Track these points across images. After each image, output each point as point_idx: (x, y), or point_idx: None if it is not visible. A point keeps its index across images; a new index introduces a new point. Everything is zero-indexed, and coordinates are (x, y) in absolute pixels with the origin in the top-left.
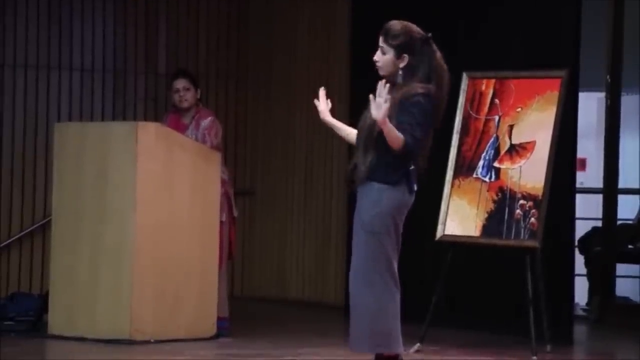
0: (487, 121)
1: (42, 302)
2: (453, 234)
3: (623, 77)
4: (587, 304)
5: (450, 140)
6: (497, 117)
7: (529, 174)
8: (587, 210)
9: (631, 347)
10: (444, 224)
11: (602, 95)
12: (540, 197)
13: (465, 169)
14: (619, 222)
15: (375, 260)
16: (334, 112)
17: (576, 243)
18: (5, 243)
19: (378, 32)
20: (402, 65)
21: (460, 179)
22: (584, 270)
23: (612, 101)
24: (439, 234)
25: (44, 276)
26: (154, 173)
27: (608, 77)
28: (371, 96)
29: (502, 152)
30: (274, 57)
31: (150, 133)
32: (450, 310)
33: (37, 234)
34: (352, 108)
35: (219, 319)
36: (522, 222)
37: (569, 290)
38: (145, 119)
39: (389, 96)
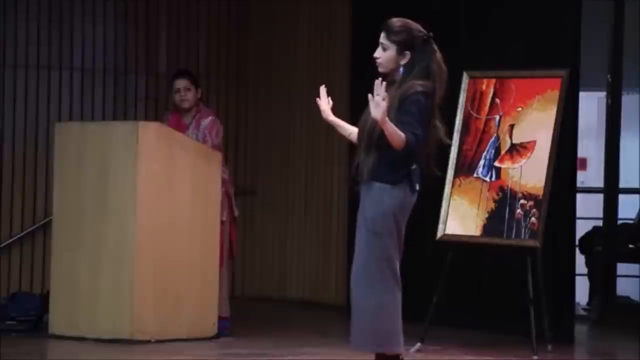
0: (487, 121)
1: (43, 302)
2: (454, 233)
3: (623, 76)
4: (587, 304)
5: (450, 140)
6: (497, 117)
7: (530, 174)
8: (588, 210)
9: (632, 347)
10: (445, 223)
11: (603, 94)
12: (540, 197)
13: (465, 168)
14: (619, 222)
15: (377, 259)
16: (334, 112)
17: (577, 243)
18: (6, 243)
19: (378, 32)
20: (402, 62)
21: (461, 179)
22: (584, 270)
23: (613, 101)
24: (439, 233)
25: (44, 276)
26: (155, 173)
27: (609, 76)
28: (370, 95)
29: (503, 151)
30: (275, 56)
31: (151, 133)
32: (451, 309)
33: (38, 233)
34: (353, 108)
35: (220, 318)
36: (522, 222)
37: (570, 289)
38: (146, 118)
39: (386, 94)
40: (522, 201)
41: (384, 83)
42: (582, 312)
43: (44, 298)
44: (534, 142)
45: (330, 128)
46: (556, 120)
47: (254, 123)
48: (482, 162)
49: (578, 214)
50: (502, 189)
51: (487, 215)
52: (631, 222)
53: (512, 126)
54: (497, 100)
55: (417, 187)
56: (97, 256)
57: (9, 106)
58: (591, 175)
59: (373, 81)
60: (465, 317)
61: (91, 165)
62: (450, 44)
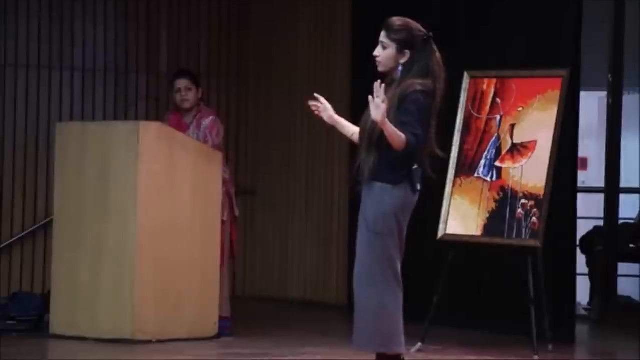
0: (488, 120)
1: (43, 302)
2: (454, 233)
3: (624, 76)
4: (588, 304)
5: (451, 139)
6: (498, 117)
7: (531, 174)
8: (589, 210)
9: (633, 347)
10: (446, 223)
11: (604, 94)
12: (541, 197)
13: (466, 168)
14: (620, 222)
15: (379, 260)
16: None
17: (578, 242)
18: (7, 243)
19: (379, 32)
20: (402, 61)
21: (462, 179)
22: (585, 270)
23: (614, 100)
24: (440, 233)
25: (45, 276)
26: (156, 173)
27: (609, 76)
28: (370, 97)
29: (504, 151)
30: (275, 56)
31: (151, 133)
32: (452, 309)
33: (39, 233)
34: (353, 107)
35: (221, 318)
36: (523, 222)
37: (571, 289)
38: (147, 118)
39: (385, 97)
40: (523, 201)
41: (383, 85)
42: (583, 312)
43: (45, 298)
44: (535, 142)
45: (331, 127)
46: (557, 120)
47: (255, 122)
48: (483, 162)
49: (579, 214)
50: (503, 188)
51: (488, 215)
52: (632, 222)
53: (513, 126)
54: (498, 100)
55: (419, 187)
56: (98, 256)
57: (9, 106)
58: (592, 175)
59: (373, 81)
60: (466, 317)
61: (92, 165)
62: (451, 43)
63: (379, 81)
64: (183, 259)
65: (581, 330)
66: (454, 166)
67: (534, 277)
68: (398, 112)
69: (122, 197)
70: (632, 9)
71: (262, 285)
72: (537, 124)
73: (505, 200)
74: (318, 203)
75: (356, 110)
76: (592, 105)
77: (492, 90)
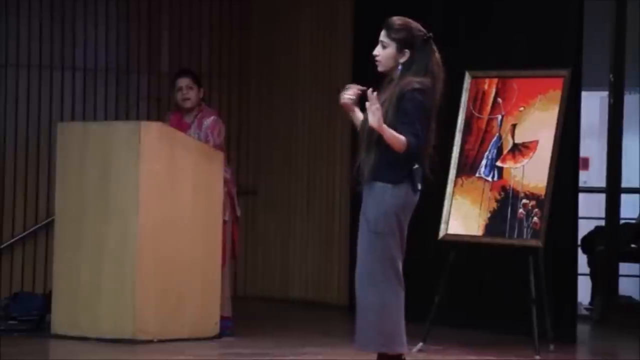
0: (489, 120)
1: (45, 302)
2: (456, 233)
3: (625, 76)
4: (590, 303)
5: (453, 139)
6: (499, 117)
7: (532, 173)
8: (590, 210)
9: (634, 347)
10: (447, 223)
11: (605, 94)
12: (543, 197)
13: (468, 168)
14: (621, 221)
15: (380, 259)
16: (335, 112)
17: (579, 242)
18: (8, 243)
19: (380, 31)
20: (402, 60)
21: (463, 178)
22: (587, 270)
23: (615, 100)
24: (441, 233)
25: (47, 276)
26: (157, 172)
27: (611, 76)
28: (367, 104)
29: (505, 151)
30: (277, 56)
31: (153, 133)
32: (453, 309)
33: (40, 233)
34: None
35: (222, 318)
36: (524, 222)
37: (572, 289)
38: (148, 118)
39: (379, 107)
40: (524, 201)
41: (375, 93)
42: (584, 312)
43: (46, 298)
44: (536, 141)
45: (332, 127)
46: (558, 119)
47: (256, 122)
48: (484, 161)
49: (580, 214)
50: (504, 188)
51: (489, 215)
52: (633, 221)
53: (514, 126)
54: (500, 100)
55: (420, 187)
56: (99, 256)
57: (11, 106)
58: (593, 175)
59: (375, 81)
60: (467, 317)
61: (93, 165)
62: (452, 43)
63: (371, 89)
64: (184, 258)
65: (582, 330)
66: (455, 166)
67: (535, 277)
68: (397, 111)
69: (123, 197)
70: (634, 9)
71: (263, 285)
72: (538, 124)
73: (507, 200)
74: (319, 203)
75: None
76: (593, 105)
77: (494, 90)
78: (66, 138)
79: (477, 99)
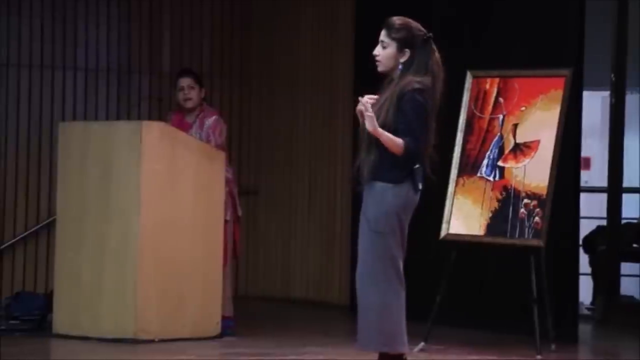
0: (491, 120)
1: (46, 302)
2: (457, 232)
3: (627, 76)
4: (591, 303)
5: (454, 139)
6: (501, 116)
7: (533, 173)
8: (592, 209)
9: (636, 347)
10: (448, 223)
11: (607, 94)
12: (544, 196)
13: (469, 168)
14: (623, 221)
15: (381, 259)
16: (336, 112)
17: (580, 242)
18: (9, 242)
19: (381, 32)
20: (402, 60)
21: (465, 178)
22: (588, 269)
23: (617, 100)
24: (443, 232)
25: (48, 275)
26: (158, 172)
27: (612, 76)
28: (360, 108)
29: (507, 151)
30: (278, 56)
31: (154, 132)
32: (454, 309)
33: (42, 233)
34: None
35: (223, 318)
36: (526, 221)
37: (574, 289)
38: (150, 118)
39: (372, 114)
40: (525, 201)
41: (368, 101)
42: (586, 312)
43: (48, 297)
44: (538, 141)
45: (333, 127)
46: (560, 119)
47: (258, 122)
48: (485, 161)
49: (582, 214)
50: (505, 188)
51: (490, 215)
52: (635, 221)
53: (515, 125)
54: (501, 100)
55: (420, 186)
56: (101, 256)
57: (12, 106)
58: (595, 174)
59: (376, 81)
60: (468, 317)
61: (94, 165)
62: (454, 43)
63: (366, 96)
64: (185, 258)
65: (584, 329)
66: (457, 166)
67: (536, 277)
68: (397, 112)
69: (124, 197)
70: (635, 9)
71: (264, 285)
72: (539, 124)
73: (508, 199)
74: (321, 203)
75: None
76: (595, 105)
77: (495, 90)
78: (67, 138)
79: (479, 98)
